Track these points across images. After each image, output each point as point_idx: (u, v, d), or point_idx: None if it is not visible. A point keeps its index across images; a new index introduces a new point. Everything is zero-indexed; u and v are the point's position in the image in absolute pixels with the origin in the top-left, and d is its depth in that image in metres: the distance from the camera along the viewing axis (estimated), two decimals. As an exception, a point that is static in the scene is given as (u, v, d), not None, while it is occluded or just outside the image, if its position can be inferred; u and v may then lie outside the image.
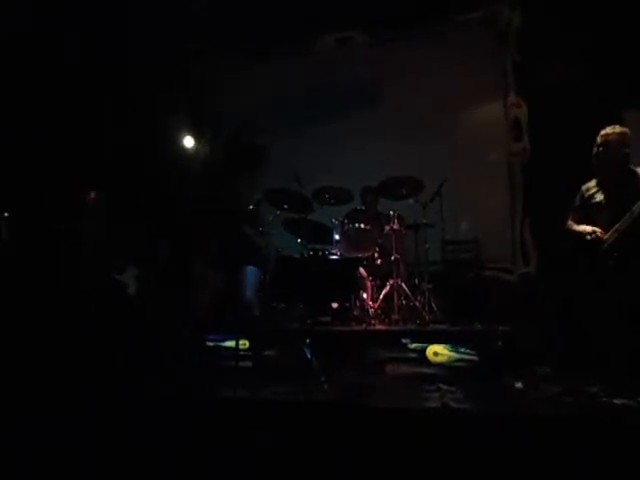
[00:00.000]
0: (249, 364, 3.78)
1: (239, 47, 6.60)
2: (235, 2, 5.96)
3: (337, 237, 5.00)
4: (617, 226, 3.14)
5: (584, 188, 3.44)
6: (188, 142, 6.34)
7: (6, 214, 5.27)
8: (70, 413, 2.93)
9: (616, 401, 2.75)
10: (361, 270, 4.91)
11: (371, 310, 4.78)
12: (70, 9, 5.52)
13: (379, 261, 5.14)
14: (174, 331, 4.27)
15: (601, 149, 3.30)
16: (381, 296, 4.89)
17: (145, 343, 3.99)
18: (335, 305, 4.75)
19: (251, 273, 3.77)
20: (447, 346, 3.97)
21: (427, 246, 5.04)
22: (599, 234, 3.20)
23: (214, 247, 4.10)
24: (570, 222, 3.47)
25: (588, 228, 3.27)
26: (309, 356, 3.47)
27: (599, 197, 3.32)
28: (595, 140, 3.35)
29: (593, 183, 3.40)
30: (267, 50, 6.61)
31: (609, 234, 3.18)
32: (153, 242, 5.02)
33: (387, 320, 4.80)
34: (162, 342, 4.10)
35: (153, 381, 3.44)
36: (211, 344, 4.40)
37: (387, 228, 5.06)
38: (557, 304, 3.78)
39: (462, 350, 3.91)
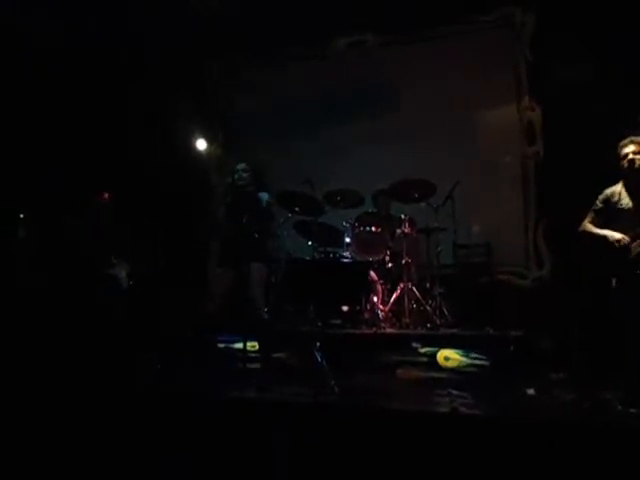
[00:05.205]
0: (258, 366, 3.78)
1: (253, 50, 6.63)
2: (248, 5, 5.99)
3: (348, 240, 4.99)
4: None
5: (609, 192, 3.31)
6: (200, 144, 6.38)
7: (22, 215, 5.36)
8: (73, 412, 2.95)
9: (632, 409, 2.69)
10: (372, 273, 4.88)
11: (382, 313, 4.75)
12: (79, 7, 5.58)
13: (390, 264, 5.10)
14: (174, 329, 4.31)
15: (632, 156, 3.18)
16: (392, 299, 4.86)
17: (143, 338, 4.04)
18: (346, 308, 4.73)
19: (257, 270, 3.75)
20: (458, 351, 3.93)
21: (439, 250, 5.00)
22: (627, 242, 3.08)
23: (219, 245, 4.10)
24: (588, 224, 3.34)
25: (617, 235, 3.13)
26: (319, 359, 3.45)
27: (626, 203, 3.20)
28: (624, 145, 3.23)
29: (620, 188, 3.28)
30: (281, 53, 6.63)
31: (635, 243, 3.05)
32: (151, 240, 5.09)
33: (398, 324, 4.77)
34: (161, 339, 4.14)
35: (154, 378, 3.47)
36: (222, 345, 4.41)
37: (398, 231, 5.03)
38: (576, 310, 3.70)
39: (473, 355, 3.87)
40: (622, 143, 3.25)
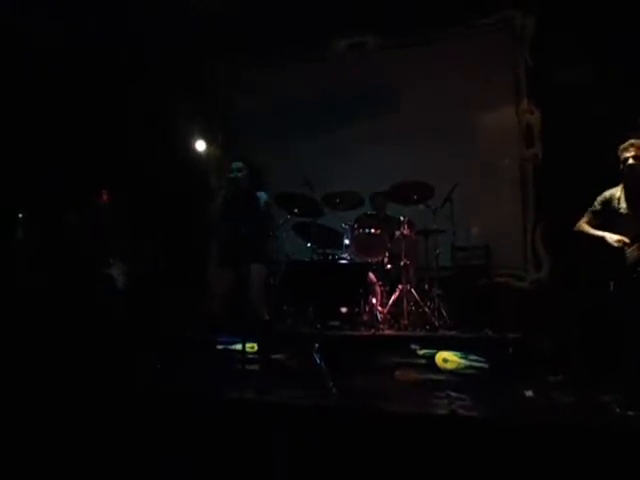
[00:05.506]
0: (257, 367, 3.78)
1: (253, 50, 6.63)
2: (248, 5, 5.99)
3: (347, 242, 5.00)
4: None
5: (608, 195, 3.30)
6: (200, 145, 6.39)
7: (20, 215, 5.36)
8: (73, 411, 2.96)
9: (630, 412, 2.71)
10: (370, 275, 4.89)
11: (380, 315, 4.76)
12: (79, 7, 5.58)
13: (389, 266, 5.11)
14: (174, 329, 4.31)
15: (632, 161, 3.15)
16: (390, 301, 4.87)
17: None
18: (344, 310, 4.73)
19: (257, 271, 3.75)
20: (457, 353, 3.93)
21: (437, 252, 5.01)
22: (626, 242, 3.06)
23: (219, 246, 4.10)
24: (585, 225, 3.34)
25: (615, 236, 3.13)
26: (318, 360, 3.46)
27: (624, 207, 3.19)
28: (625, 149, 3.20)
29: (619, 192, 3.25)
30: (281, 53, 6.63)
31: (633, 248, 3.04)
32: (151, 240, 5.11)
33: (396, 325, 4.77)
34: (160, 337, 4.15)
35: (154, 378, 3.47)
36: (220, 347, 4.41)
37: (397, 233, 5.04)
38: (574, 312, 3.71)
39: (472, 357, 3.87)
40: (623, 146, 3.22)
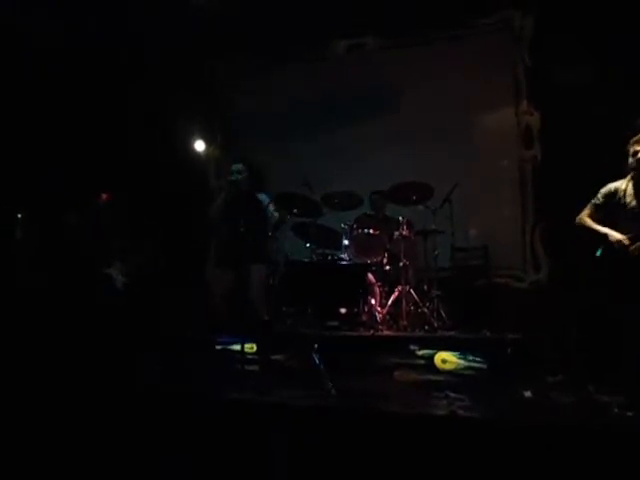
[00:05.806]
0: (256, 368, 3.79)
1: (253, 50, 6.64)
2: (248, 5, 6.00)
3: (346, 242, 4.99)
4: None
5: (613, 187, 3.26)
6: (200, 145, 6.39)
7: (20, 215, 5.36)
8: (73, 412, 2.96)
9: (629, 412, 2.71)
10: (369, 275, 4.89)
11: (379, 316, 4.76)
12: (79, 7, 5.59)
13: (388, 267, 5.11)
14: (174, 329, 4.33)
15: None
16: (389, 302, 4.87)
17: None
18: (343, 310, 4.74)
19: (257, 271, 3.77)
20: (455, 353, 3.94)
21: (436, 252, 5.01)
22: (627, 244, 3.06)
23: (219, 246, 4.11)
24: (587, 218, 3.31)
25: (617, 235, 3.11)
26: (317, 361, 3.46)
27: (629, 202, 3.17)
28: (635, 142, 3.18)
29: (624, 186, 3.22)
30: (281, 53, 6.63)
31: (635, 246, 3.04)
32: (151, 240, 5.12)
33: (395, 326, 4.77)
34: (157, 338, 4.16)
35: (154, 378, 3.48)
36: (220, 347, 4.42)
37: (396, 234, 5.03)
38: (574, 312, 3.72)
39: (471, 358, 3.87)
40: (633, 140, 3.20)
